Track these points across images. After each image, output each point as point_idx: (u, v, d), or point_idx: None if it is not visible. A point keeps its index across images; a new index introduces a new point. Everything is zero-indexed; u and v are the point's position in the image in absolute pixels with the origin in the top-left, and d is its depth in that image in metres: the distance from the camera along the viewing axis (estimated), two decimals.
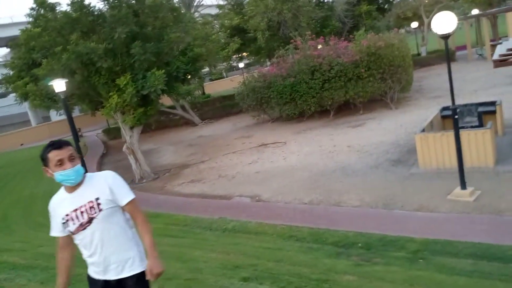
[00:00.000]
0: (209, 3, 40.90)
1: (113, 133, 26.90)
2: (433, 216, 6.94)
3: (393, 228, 6.65)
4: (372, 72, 16.62)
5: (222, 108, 27.61)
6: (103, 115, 15.21)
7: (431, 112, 11.70)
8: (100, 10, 12.98)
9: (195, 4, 43.08)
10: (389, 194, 8.29)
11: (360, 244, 6.15)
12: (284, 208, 8.74)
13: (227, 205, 9.80)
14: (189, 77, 16.95)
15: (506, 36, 24.89)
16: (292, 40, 19.53)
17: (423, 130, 9.54)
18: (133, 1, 13.26)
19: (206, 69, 35.13)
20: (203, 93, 38.46)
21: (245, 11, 24.46)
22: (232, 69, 48.00)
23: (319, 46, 18.67)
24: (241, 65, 32.65)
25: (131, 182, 14.34)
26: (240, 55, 30.66)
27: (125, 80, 12.60)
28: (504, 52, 8.47)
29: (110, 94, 13.10)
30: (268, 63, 26.51)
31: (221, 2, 28.76)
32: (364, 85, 16.82)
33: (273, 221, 7.85)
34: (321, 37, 19.49)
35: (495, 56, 8.65)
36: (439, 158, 9.00)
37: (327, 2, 27.96)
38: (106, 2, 12.83)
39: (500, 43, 12.22)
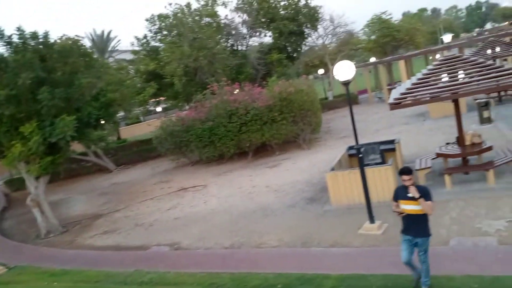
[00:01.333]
0: (124, 48, 40.52)
1: (16, 184, 24.45)
2: (347, 251, 7.30)
3: (311, 266, 6.85)
4: (285, 116, 17.50)
5: (139, 152, 26.79)
6: (5, 165, 13.90)
7: (340, 152, 12.54)
8: (1, 54, 12.16)
9: (109, 49, 42.39)
10: (306, 232, 8.57)
11: (279, 286, 6.22)
12: (204, 255, 8.57)
13: (143, 256, 9.34)
14: (103, 122, 16.33)
15: (400, 81, 28.00)
16: (209, 86, 19.95)
17: (333, 169, 10.15)
18: (40, 46, 12.66)
19: (122, 114, 34.16)
20: (119, 138, 37.06)
21: (161, 57, 24.56)
22: (150, 113, 47.21)
23: (236, 91, 19.28)
24: (158, 109, 32.31)
25: (36, 237, 13.08)
26: (157, 100, 30.38)
27: (31, 127, 11.74)
28: (398, 95, 9.47)
29: (13, 142, 12.09)
30: (187, 107, 26.62)
31: (136, 48, 28.57)
32: (279, 128, 17.60)
33: (193, 269, 7.64)
34: (237, 83, 20.20)
35: (391, 99, 9.64)
36: (349, 195, 9.59)
37: (241, 50, 29.24)
38: (9, 46, 12.09)
39: (395, 87, 13.77)
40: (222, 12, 52.67)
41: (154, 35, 27.19)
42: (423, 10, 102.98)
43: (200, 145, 18.78)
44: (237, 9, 29.17)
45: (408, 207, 5.47)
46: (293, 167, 15.25)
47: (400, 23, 41.23)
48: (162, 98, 29.96)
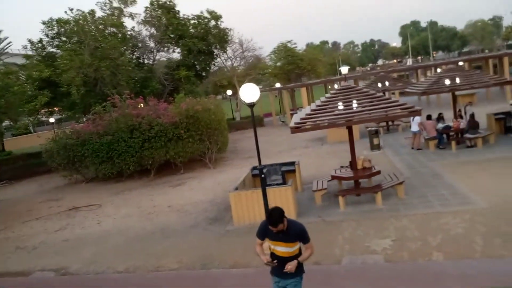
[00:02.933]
0: (15, 51, 36.77)
1: None
2: (246, 271, 7.26)
3: None
4: (192, 133, 17.25)
5: (26, 167, 24.16)
6: None
7: (244, 171, 12.67)
8: None
9: None
10: (207, 253, 8.37)
11: None
12: (95, 280, 7.86)
13: (23, 283, 8.26)
14: None
15: (302, 107, 29.64)
16: (110, 98, 18.91)
17: (237, 188, 10.18)
18: None
19: (7, 123, 30.68)
20: (2, 149, 33.17)
21: (58, 64, 22.73)
22: (42, 124, 43.22)
23: (140, 105, 18.55)
24: (51, 120, 29.70)
25: None
26: (50, 110, 27.93)
27: None
28: (298, 120, 9.90)
29: None
30: (84, 119, 24.87)
31: (30, 52, 26.09)
32: (184, 145, 17.25)
33: None
34: (141, 97, 19.47)
35: (292, 124, 10.04)
36: (251, 214, 9.66)
37: (147, 63, 28.46)
38: None
39: (297, 113, 14.60)
40: (129, 23, 50.90)
41: (51, 40, 25.22)
42: (325, 42, 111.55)
43: (96, 161, 17.57)
44: (145, 22, 28.50)
45: (279, 248, 4.54)
46: (197, 186, 14.99)
47: (303, 53, 44.00)
48: (56, 108, 27.62)
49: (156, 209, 12.65)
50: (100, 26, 24.99)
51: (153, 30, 28.74)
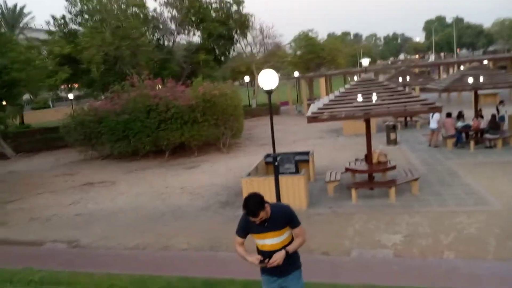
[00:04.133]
0: (38, 27, 37.18)
1: None
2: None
3: (217, 271, 6.71)
4: (207, 118, 17.28)
5: (44, 140, 24.63)
6: None
7: (258, 158, 12.66)
8: None
9: (20, 25, 38.57)
10: (216, 236, 8.42)
11: None
12: (105, 255, 8.00)
13: (36, 253, 8.47)
14: (4, 103, 14.69)
15: (320, 97, 29.38)
16: (128, 77, 19.00)
17: (249, 175, 10.18)
18: None
19: (28, 96, 31.22)
20: (22, 122, 33.86)
21: (79, 41, 22.90)
22: (61, 99, 43.86)
23: (158, 87, 18.62)
24: (70, 96, 30.09)
25: None
26: (69, 86, 28.27)
27: None
28: (315, 110, 9.80)
29: None
30: (102, 97, 25.10)
31: (52, 28, 26.32)
32: (199, 129, 17.30)
33: (91, 269, 7.08)
34: (159, 78, 19.53)
35: (308, 113, 9.95)
36: None
37: (167, 46, 28.46)
38: None
39: (314, 102, 14.46)
40: (151, 4, 50.89)
41: (74, 17, 25.36)
42: (346, 34, 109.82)
43: (112, 139, 17.77)
44: (167, 4, 28.40)
45: (268, 241, 3.86)
46: (210, 170, 15.06)
47: (324, 43, 43.40)
48: (75, 85, 27.94)
49: (169, 190, 12.77)
50: (122, 6, 25.02)
51: (174, 12, 28.65)
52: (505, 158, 12.61)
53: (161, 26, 28.75)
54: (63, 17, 25.46)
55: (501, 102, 16.89)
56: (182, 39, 30.33)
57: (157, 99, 17.19)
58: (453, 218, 8.17)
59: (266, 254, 3.86)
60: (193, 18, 28.37)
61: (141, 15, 26.33)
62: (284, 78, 36.80)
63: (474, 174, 11.09)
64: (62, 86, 27.24)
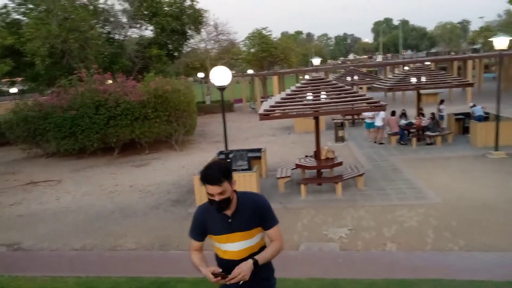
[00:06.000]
0: None
1: None
2: (205, 254, 7.30)
3: (167, 270, 6.66)
4: (159, 114, 16.98)
5: None
6: None
7: (211, 155, 12.65)
8: None
9: None
10: (167, 235, 8.36)
11: None
12: (49, 257, 7.69)
13: None
14: None
15: (273, 95, 29.75)
16: (76, 71, 18.25)
17: None
18: None
19: None
20: None
21: (23, 32, 21.63)
22: (3, 93, 41.27)
23: (109, 81, 18.03)
24: (13, 90, 28.43)
25: None
26: (12, 79, 26.68)
27: None
28: (267, 108, 9.96)
29: None
30: (49, 92, 23.89)
31: None
32: (151, 126, 16.97)
33: (33, 273, 6.78)
34: (109, 72, 18.92)
35: (261, 111, 10.09)
36: None
37: (118, 39, 27.56)
38: None
39: (267, 100, 14.75)
40: None
41: (17, 6, 23.93)
42: (299, 33, 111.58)
43: (58, 136, 17.03)
44: None
45: (232, 246, 2.88)
46: (161, 168, 14.84)
47: (277, 41, 43.92)
48: (19, 79, 26.41)
49: (118, 188, 12.46)
50: None
51: (126, 5, 27.80)
52: (443, 154, 13.45)
53: (112, 19, 27.79)
54: (5, 6, 23.97)
55: (442, 101, 17.97)
56: (134, 33, 29.51)
57: (106, 94, 16.67)
58: (395, 212, 8.63)
59: (229, 265, 2.78)
60: (145, 12, 27.67)
61: (91, 7, 25.31)
62: (238, 76, 36.89)
63: (415, 170, 11.75)
64: (4, 80, 25.63)
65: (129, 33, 28.84)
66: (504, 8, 62.06)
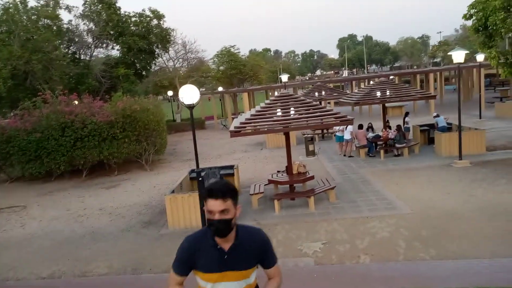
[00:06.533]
0: None
1: None
2: None
3: None
4: (128, 134, 16.73)
5: None
6: None
7: (182, 174, 12.51)
8: None
9: None
10: (139, 258, 8.15)
11: None
12: (14, 287, 7.33)
13: None
14: None
15: (243, 112, 29.92)
16: (41, 93, 17.78)
17: (173, 191, 10.03)
18: None
19: None
20: None
21: None
22: None
23: (74, 103, 17.65)
24: None
25: None
26: None
27: None
28: (238, 124, 10.00)
29: None
30: (12, 114, 23.09)
31: None
32: (119, 146, 16.67)
33: None
34: (75, 93, 18.54)
35: (232, 128, 10.12)
36: (187, 218, 9.57)
37: (84, 59, 27.15)
38: None
39: (237, 117, 14.89)
40: (66, 16, 48.15)
41: None
42: (267, 50, 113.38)
43: (23, 159, 16.44)
44: (83, 16, 27.19)
45: (231, 286, 2.55)
46: (132, 189, 14.54)
47: (246, 59, 44.43)
48: None
49: (87, 211, 12.09)
50: (32, 17, 23.46)
51: (91, 25, 27.52)
52: (411, 165, 13.84)
53: (76, 39, 27.39)
54: None
55: (407, 114, 18.58)
56: (100, 52, 29.18)
57: (72, 115, 16.28)
58: (367, 223, 8.77)
59: None
60: (111, 32, 27.46)
61: (54, 27, 24.88)
62: (208, 93, 36.94)
63: (384, 181, 12.02)
64: None
65: (95, 53, 28.53)
66: (460, 23, 65.38)
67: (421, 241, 7.65)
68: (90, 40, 27.92)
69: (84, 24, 27.61)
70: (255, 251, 2.54)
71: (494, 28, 11.43)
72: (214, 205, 2.35)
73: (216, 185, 2.42)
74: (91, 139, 16.21)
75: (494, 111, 24.43)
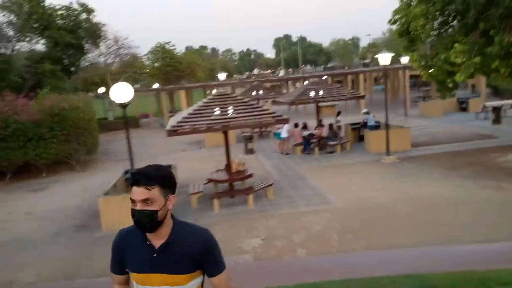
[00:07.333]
0: None
1: None
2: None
3: None
4: (56, 133, 15.79)
5: None
6: None
7: (116, 175, 12.06)
8: None
9: None
10: (72, 263, 7.77)
11: None
12: None
13: None
14: None
15: (181, 109, 29.42)
16: None
17: (107, 193, 9.66)
18: None
19: None
20: None
21: None
22: None
23: None
24: None
25: None
26: None
27: None
28: (175, 123, 9.86)
29: None
30: None
31: None
32: (47, 146, 15.68)
33: None
34: None
35: (168, 127, 9.96)
36: (122, 220, 9.20)
37: (4, 54, 25.09)
38: None
39: (174, 115, 14.58)
40: None
41: None
42: (204, 47, 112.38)
43: None
44: (3, 7, 25.14)
45: None
46: (62, 191, 13.77)
47: (182, 56, 43.71)
48: None
49: (12, 216, 11.26)
50: None
51: (12, 17, 25.49)
52: (343, 161, 14.54)
53: None
54: None
55: (339, 113, 19.44)
56: (23, 47, 27.13)
57: None
58: (302, 218, 9.10)
59: None
60: (35, 25, 25.65)
61: None
62: (143, 90, 35.86)
63: (319, 177, 12.53)
64: None
65: (17, 47, 26.46)
66: (387, 27, 69.53)
67: (353, 233, 8.09)
68: (11, 33, 25.87)
69: (3, 15, 25.54)
70: (194, 254, 2.10)
71: (415, 33, 12.33)
72: (136, 192, 2.01)
73: (144, 169, 2.05)
74: (15, 139, 15.12)
75: (418, 109, 26.38)
